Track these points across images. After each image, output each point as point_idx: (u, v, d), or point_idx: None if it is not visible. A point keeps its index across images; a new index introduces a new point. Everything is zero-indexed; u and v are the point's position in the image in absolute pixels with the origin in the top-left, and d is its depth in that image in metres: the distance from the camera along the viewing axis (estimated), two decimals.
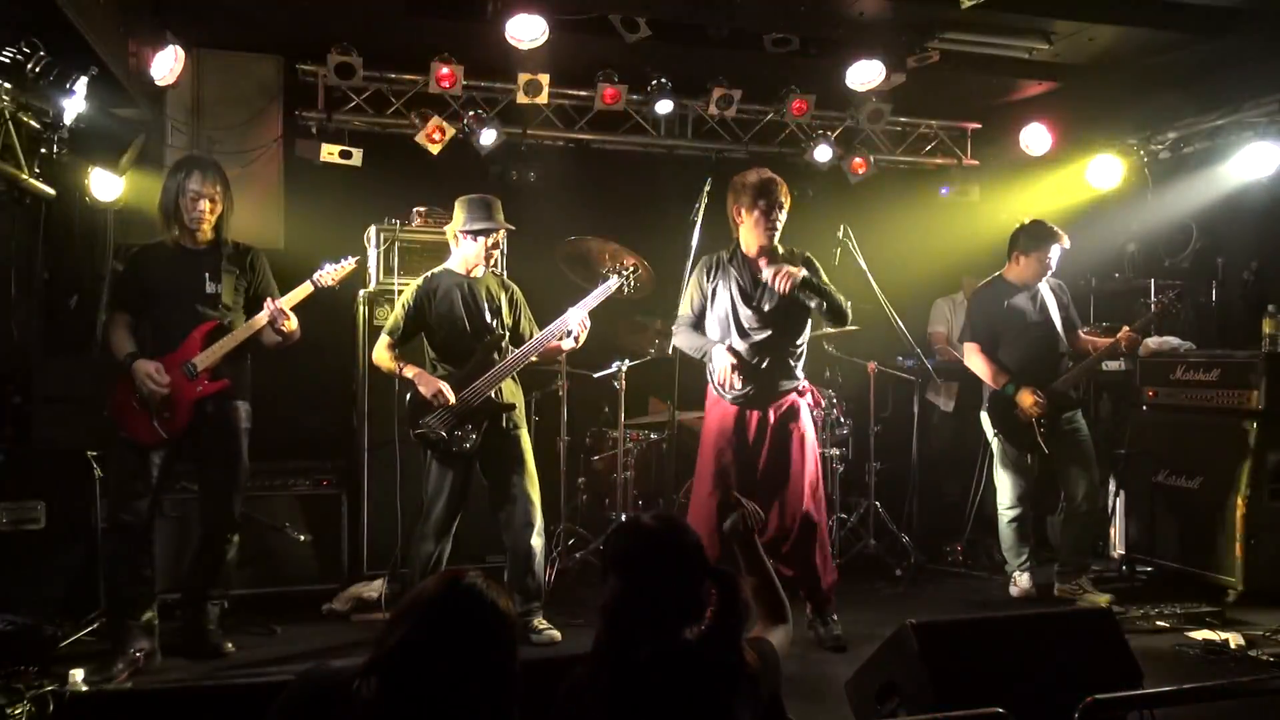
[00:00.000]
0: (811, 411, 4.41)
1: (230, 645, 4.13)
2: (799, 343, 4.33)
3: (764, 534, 4.15)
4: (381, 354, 4.33)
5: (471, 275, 4.38)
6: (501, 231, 4.43)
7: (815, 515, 4.22)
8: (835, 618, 4.30)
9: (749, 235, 4.26)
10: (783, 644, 2.28)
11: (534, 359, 4.37)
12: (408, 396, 4.28)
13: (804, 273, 4.14)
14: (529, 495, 4.34)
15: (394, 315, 4.39)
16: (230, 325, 4.04)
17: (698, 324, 4.39)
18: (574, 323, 4.29)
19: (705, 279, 4.34)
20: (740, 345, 4.22)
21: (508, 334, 4.41)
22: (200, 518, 4.20)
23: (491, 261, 4.47)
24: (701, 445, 4.36)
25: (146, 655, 3.86)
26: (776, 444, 4.23)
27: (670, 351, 4.87)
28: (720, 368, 4.17)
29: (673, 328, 4.51)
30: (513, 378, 4.36)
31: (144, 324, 4.01)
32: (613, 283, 4.43)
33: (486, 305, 4.35)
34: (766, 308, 4.22)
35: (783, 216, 4.22)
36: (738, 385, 4.17)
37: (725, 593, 1.94)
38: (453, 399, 4.15)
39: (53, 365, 4.74)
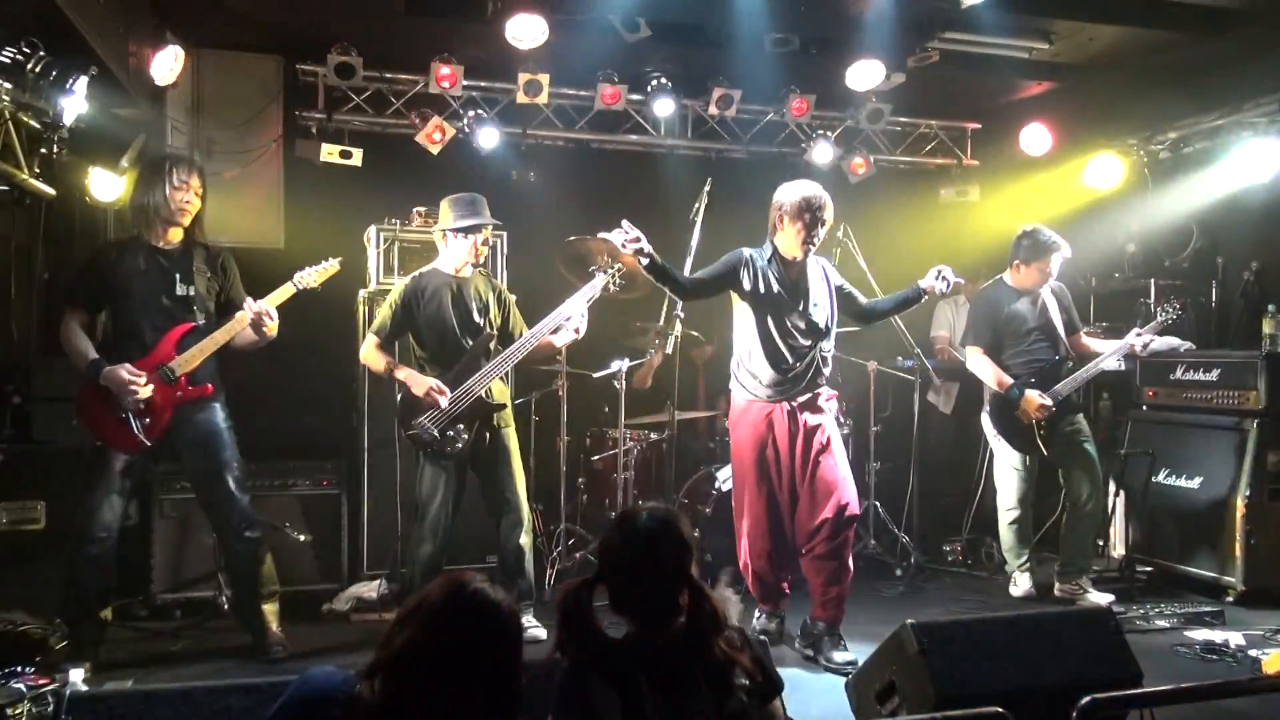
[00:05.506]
0: (836, 417, 4.40)
1: (280, 649, 4.07)
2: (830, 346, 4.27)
3: (804, 534, 4.13)
4: (370, 354, 4.31)
5: (460, 274, 4.37)
6: (489, 228, 4.42)
7: (854, 506, 4.11)
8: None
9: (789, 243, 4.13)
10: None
11: (529, 356, 4.35)
12: (399, 398, 4.28)
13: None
14: (517, 494, 4.35)
15: (381, 315, 4.37)
16: (203, 328, 3.94)
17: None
18: (574, 313, 4.27)
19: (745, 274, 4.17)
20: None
21: (496, 333, 4.39)
22: (214, 526, 4.15)
23: (480, 259, 4.45)
24: (740, 450, 4.21)
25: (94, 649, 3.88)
26: (811, 440, 4.14)
27: (669, 350, 4.86)
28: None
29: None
30: (501, 376, 4.35)
31: (109, 324, 3.92)
32: (599, 281, 4.38)
33: (475, 304, 4.34)
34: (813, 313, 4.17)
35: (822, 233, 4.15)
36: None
37: (695, 601, 2.07)
38: (447, 397, 4.15)
39: (53, 365, 4.72)
